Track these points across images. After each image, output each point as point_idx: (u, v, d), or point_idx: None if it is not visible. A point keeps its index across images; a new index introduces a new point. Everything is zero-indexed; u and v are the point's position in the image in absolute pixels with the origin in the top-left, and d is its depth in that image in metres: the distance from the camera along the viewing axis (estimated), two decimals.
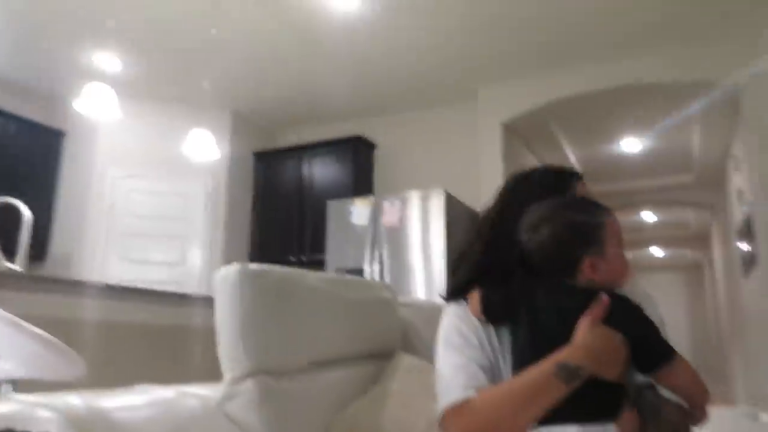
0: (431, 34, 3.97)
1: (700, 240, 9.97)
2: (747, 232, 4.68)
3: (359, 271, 3.99)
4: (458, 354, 1.02)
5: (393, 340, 1.53)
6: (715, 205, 7.18)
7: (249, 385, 1.11)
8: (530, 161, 5.93)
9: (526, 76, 4.50)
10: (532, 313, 0.99)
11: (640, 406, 0.93)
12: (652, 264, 11.98)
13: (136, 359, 2.37)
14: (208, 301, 1.38)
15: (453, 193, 4.03)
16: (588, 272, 0.96)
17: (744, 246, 5.04)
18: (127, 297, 2.64)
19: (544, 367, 0.90)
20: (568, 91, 4.37)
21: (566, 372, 0.88)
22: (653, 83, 4.14)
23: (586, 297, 0.94)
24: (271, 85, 4.79)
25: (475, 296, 1.06)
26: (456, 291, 1.12)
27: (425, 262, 3.83)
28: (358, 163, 4.99)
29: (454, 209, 3.98)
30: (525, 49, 4.18)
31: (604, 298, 0.93)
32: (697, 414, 0.96)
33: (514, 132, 4.89)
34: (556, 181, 1.13)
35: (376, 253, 3.99)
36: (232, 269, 1.18)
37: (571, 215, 1.00)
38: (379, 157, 5.20)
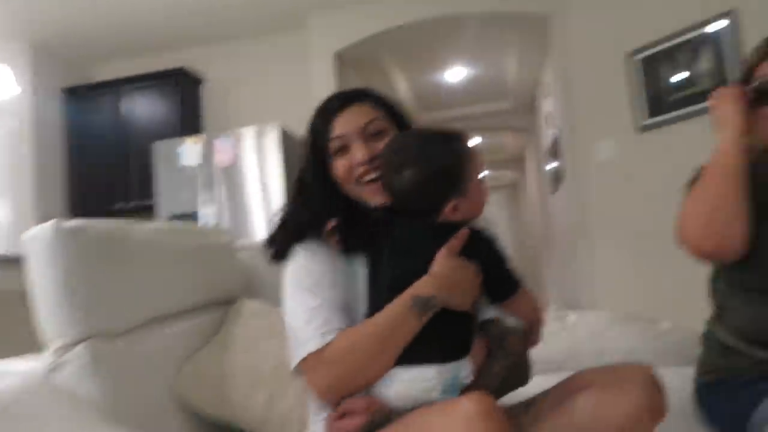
0: None
1: (517, 161, 10.92)
2: (554, 152, 5.21)
3: (193, 215, 3.82)
4: (311, 296, 0.98)
5: (234, 286, 1.51)
6: (528, 128, 7.85)
7: (79, 351, 1.03)
8: None
9: (356, 4, 4.45)
10: (393, 250, 0.98)
11: (486, 336, 0.98)
12: None
13: None
14: (15, 263, 1.24)
15: (288, 128, 3.95)
16: (449, 213, 0.96)
17: (552, 165, 5.63)
18: None
19: (400, 301, 0.91)
20: (397, 20, 4.40)
21: (420, 303, 0.90)
22: (474, 12, 4.31)
23: (446, 232, 0.95)
24: (77, 13, 4.23)
25: (331, 225, 1.03)
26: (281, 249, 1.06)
27: (264, 201, 3.76)
28: (184, 99, 4.66)
29: (290, 144, 3.92)
30: None
31: (464, 231, 0.94)
32: (534, 337, 1.04)
33: (347, 62, 4.87)
34: (316, 117, 1.07)
35: (211, 195, 3.84)
36: (45, 228, 1.06)
37: (434, 158, 0.96)
38: (207, 92, 4.90)
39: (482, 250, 0.96)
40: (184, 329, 1.30)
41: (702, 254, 1.07)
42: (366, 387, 0.93)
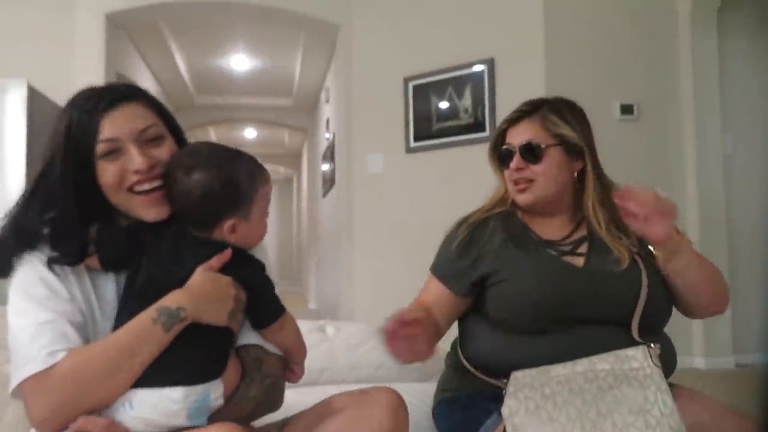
0: None
1: (293, 158, 11.05)
2: (329, 156, 5.38)
3: None
4: (43, 309, 0.84)
5: None
6: (308, 129, 8.00)
7: None
8: (137, 63, 5.49)
9: None
10: (152, 259, 0.91)
11: (243, 358, 0.94)
12: None
13: None
14: None
15: (39, 87, 3.42)
16: (226, 232, 0.93)
17: (326, 167, 5.80)
18: None
19: (145, 314, 0.84)
20: None
21: (166, 315, 0.83)
22: (265, 6, 4.23)
23: (212, 249, 0.91)
24: None
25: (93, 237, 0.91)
26: (25, 239, 0.89)
27: None
28: None
29: (40, 106, 3.39)
30: None
31: (227, 252, 0.91)
32: (297, 370, 1.03)
33: (121, 27, 4.41)
34: (81, 110, 0.91)
35: None
36: None
37: (229, 170, 0.92)
38: None
39: (247, 273, 0.94)
40: None
41: None
42: (96, 410, 0.82)
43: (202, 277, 0.88)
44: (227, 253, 0.91)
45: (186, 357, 0.85)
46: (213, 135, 8.92)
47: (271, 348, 0.97)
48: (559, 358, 1.10)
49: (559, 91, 1.40)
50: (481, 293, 1.24)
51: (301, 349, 1.02)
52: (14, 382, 0.83)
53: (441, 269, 1.29)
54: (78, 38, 3.99)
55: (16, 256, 0.89)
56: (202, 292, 0.87)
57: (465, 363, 1.23)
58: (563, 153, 1.23)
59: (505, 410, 1.06)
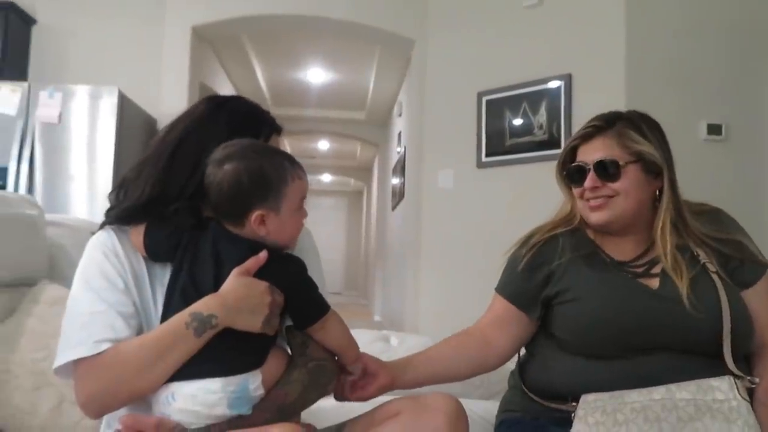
0: None
1: (364, 171, 11.18)
2: (399, 170, 5.40)
3: (2, 170, 3.35)
4: (97, 299, 0.90)
5: (36, 266, 1.32)
6: (379, 143, 8.08)
7: None
8: (219, 73, 5.72)
9: None
10: (193, 258, 0.93)
11: (289, 342, 0.95)
12: (321, 188, 13.03)
13: None
14: None
15: (128, 94, 3.63)
16: (255, 225, 0.92)
17: (396, 181, 5.82)
18: None
19: (179, 317, 0.87)
20: (259, 7, 4.27)
21: (198, 321, 0.85)
22: (342, 20, 4.32)
23: (248, 249, 0.92)
24: None
25: (140, 229, 0.95)
26: (122, 216, 0.96)
27: (90, 170, 3.39)
28: (9, 39, 4.07)
29: (129, 112, 3.60)
30: None
31: (263, 253, 0.91)
32: (350, 361, 1.02)
33: (205, 39, 4.62)
34: (248, 124, 1.02)
35: (26, 152, 3.39)
36: None
37: (259, 161, 0.93)
38: (39, 36, 4.32)
39: (285, 275, 0.93)
40: None
41: None
42: (131, 400, 0.88)
43: (236, 283, 0.89)
44: (263, 255, 0.91)
45: (223, 351, 0.87)
46: (287, 146, 9.16)
47: None
48: (628, 386, 1.04)
49: (640, 109, 1.33)
50: (548, 312, 1.20)
51: (349, 351, 1.01)
52: (58, 362, 0.88)
53: (509, 289, 1.25)
54: (166, 50, 4.21)
55: (131, 216, 0.96)
56: (235, 300, 0.87)
57: (524, 389, 1.19)
58: (641, 171, 1.15)
59: None
